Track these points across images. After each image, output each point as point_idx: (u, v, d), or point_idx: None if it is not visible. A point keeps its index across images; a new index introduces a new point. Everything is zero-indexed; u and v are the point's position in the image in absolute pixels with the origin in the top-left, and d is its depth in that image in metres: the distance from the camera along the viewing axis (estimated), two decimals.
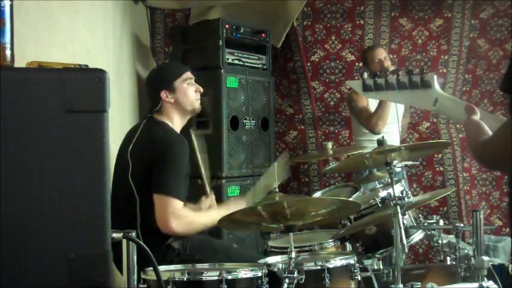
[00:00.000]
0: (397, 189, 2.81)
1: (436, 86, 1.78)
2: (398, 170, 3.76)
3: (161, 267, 2.41)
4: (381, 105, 4.05)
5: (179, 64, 3.09)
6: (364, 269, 2.83)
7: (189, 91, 3.01)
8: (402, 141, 4.35)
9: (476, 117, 1.69)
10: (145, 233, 2.65)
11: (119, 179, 2.83)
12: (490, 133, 1.62)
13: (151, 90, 3.04)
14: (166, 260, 2.73)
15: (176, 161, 2.80)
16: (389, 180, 2.79)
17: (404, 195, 2.70)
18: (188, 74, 3.04)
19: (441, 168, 4.88)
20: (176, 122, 3.00)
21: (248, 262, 2.60)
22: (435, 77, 1.79)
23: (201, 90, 3.05)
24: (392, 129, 4.16)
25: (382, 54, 4.21)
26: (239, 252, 3.01)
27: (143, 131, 2.88)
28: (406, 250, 2.66)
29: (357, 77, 4.90)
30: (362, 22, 4.89)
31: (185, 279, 2.31)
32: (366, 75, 1.86)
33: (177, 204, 2.74)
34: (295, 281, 2.31)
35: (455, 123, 4.91)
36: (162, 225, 2.73)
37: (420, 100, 1.81)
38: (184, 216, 2.75)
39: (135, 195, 2.71)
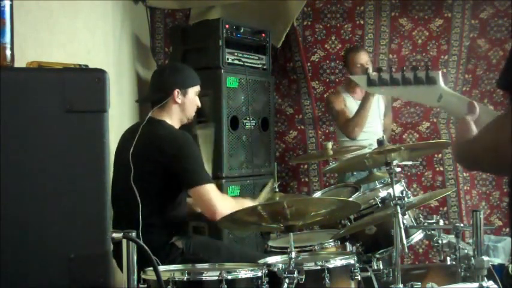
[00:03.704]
0: (397, 189, 2.81)
1: (441, 82, 1.78)
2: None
3: (161, 267, 2.41)
4: (359, 112, 4.05)
5: (196, 74, 3.12)
6: (364, 269, 2.83)
7: (195, 103, 3.07)
8: (389, 139, 4.36)
9: (472, 117, 1.69)
10: (148, 233, 2.66)
11: (120, 180, 2.84)
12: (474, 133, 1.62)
13: (164, 84, 3.04)
14: (170, 259, 2.74)
15: (192, 152, 2.86)
16: (389, 180, 2.79)
17: (404, 195, 2.70)
18: (199, 87, 3.10)
19: (441, 168, 4.88)
20: (174, 123, 3.01)
21: (250, 261, 2.60)
22: (440, 73, 1.79)
23: (200, 105, 3.11)
24: (376, 129, 4.16)
25: (364, 58, 4.18)
26: (241, 252, 3.01)
27: (144, 131, 2.88)
28: (406, 250, 2.66)
29: None
30: (362, 22, 4.88)
31: (185, 279, 2.31)
32: (370, 69, 1.86)
33: (213, 187, 2.83)
34: (295, 281, 2.31)
35: (456, 122, 4.91)
36: (210, 213, 2.80)
37: (425, 96, 1.82)
38: (223, 197, 2.87)
39: (137, 197, 2.71)
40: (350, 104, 4.23)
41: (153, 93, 3.08)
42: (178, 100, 2.99)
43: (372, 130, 4.14)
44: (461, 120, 1.70)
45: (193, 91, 3.05)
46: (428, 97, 1.81)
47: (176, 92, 2.98)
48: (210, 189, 2.81)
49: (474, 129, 1.64)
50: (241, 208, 2.62)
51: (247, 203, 2.91)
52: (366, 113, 4.04)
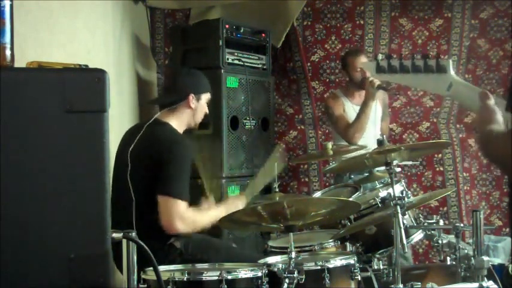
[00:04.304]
0: (397, 189, 2.81)
1: (451, 71, 1.75)
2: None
3: (161, 267, 2.41)
4: (359, 117, 4.01)
5: (208, 82, 3.14)
6: (364, 269, 2.83)
7: (204, 110, 3.08)
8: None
9: (491, 102, 1.65)
10: (147, 233, 2.66)
11: (120, 180, 2.84)
12: (502, 123, 1.59)
13: (180, 87, 3.05)
14: (169, 260, 2.74)
15: (180, 162, 2.83)
16: (389, 180, 2.79)
17: (404, 195, 2.70)
18: (210, 95, 3.12)
19: (441, 168, 4.88)
20: (181, 127, 3.02)
21: (249, 262, 2.60)
22: (451, 62, 1.76)
23: (208, 112, 3.12)
24: (370, 133, 4.14)
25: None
26: (240, 252, 3.01)
27: (147, 131, 2.88)
28: (406, 250, 2.66)
29: None
30: (362, 22, 4.88)
31: (185, 279, 2.31)
32: (380, 56, 1.83)
33: (181, 205, 2.77)
34: (295, 281, 2.31)
35: (455, 122, 4.91)
36: (167, 226, 2.78)
37: (434, 84, 1.78)
38: (188, 217, 2.79)
39: (132, 195, 2.72)
40: (348, 108, 4.20)
41: (166, 96, 3.09)
42: (192, 105, 3.00)
43: (368, 134, 4.11)
44: (482, 108, 1.66)
45: (205, 98, 3.08)
46: (438, 86, 1.77)
47: (191, 96, 2.99)
48: (178, 206, 2.77)
49: (498, 118, 1.61)
50: (201, 225, 2.79)
51: (216, 213, 2.89)
52: (366, 118, 4.01)
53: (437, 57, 1.76)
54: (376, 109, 4.15)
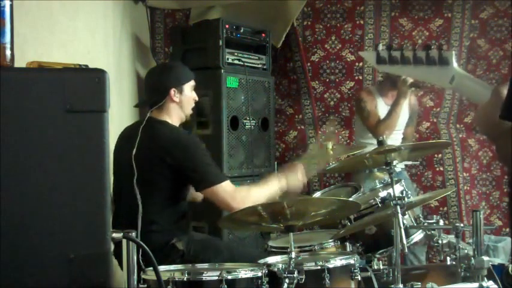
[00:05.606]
0: (397, 189, 2.81)
1: (454, 63, 1.69)
2: (398, 170, 3.74)
3: (161, 267, 2.41)
4: (391, 114, 4.00)
5: (188, 69, 3.12)
6: (364, 269, 2.83)
7: (192, 98, 3.06)
8: None
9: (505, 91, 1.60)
10: (149, 233, 2.66)
11: (122, 180, 2.82)
12: None
13: (159, 85, 3.02)
14: (170, 260, 2.73)
15: (200, 153, 2.87)
16: (389, 180, 2.79)
17: (404, 195, 2.70)
18: (194, 82, 3.09)
19: (441, 168, 4.88)
20: (175, 122, 3.01)
21: (250, 261, 2.60)
22: (454, 53, 1.72)
23: (197, 99, 3.11)
24: (396, 136, 4.13)
25: None
26: (242, 253, 3.00)
27: (147, 132, 2.84)
28: (406, 250, 2.66)
29: (357, 77, 4.91)
30: (362, 22, 4.88)
31: (185, 279, 2.31)
32: (380, 46, 1.77)
33: (225, 186, 2.84)
34: (295, 281, 2.31)
35: (455, 122, 4.91)
36: (228, 210, 2.84)
37: (436, 77, 1.72)
38: (239, 194, 2.85)
39: (139, 200, 2.68)
40: (381, 106, 4.16)
41: (150, 96, 3.07)
42: (176, 99, 2.99)
43: (393, 137, 4.08)
44: (495, 91, 1.62)
45: (189, 86, 3.04)
46: (440, 78, 1.72)
47: (173, 91, 2.98)
48: (224, 188, 2.83)
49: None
50: (257, 198, 2.79)
51: (262, 188, 2.96)
52: (397, 116, 3.99)
53: (439, 49, 1.71)
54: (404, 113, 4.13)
